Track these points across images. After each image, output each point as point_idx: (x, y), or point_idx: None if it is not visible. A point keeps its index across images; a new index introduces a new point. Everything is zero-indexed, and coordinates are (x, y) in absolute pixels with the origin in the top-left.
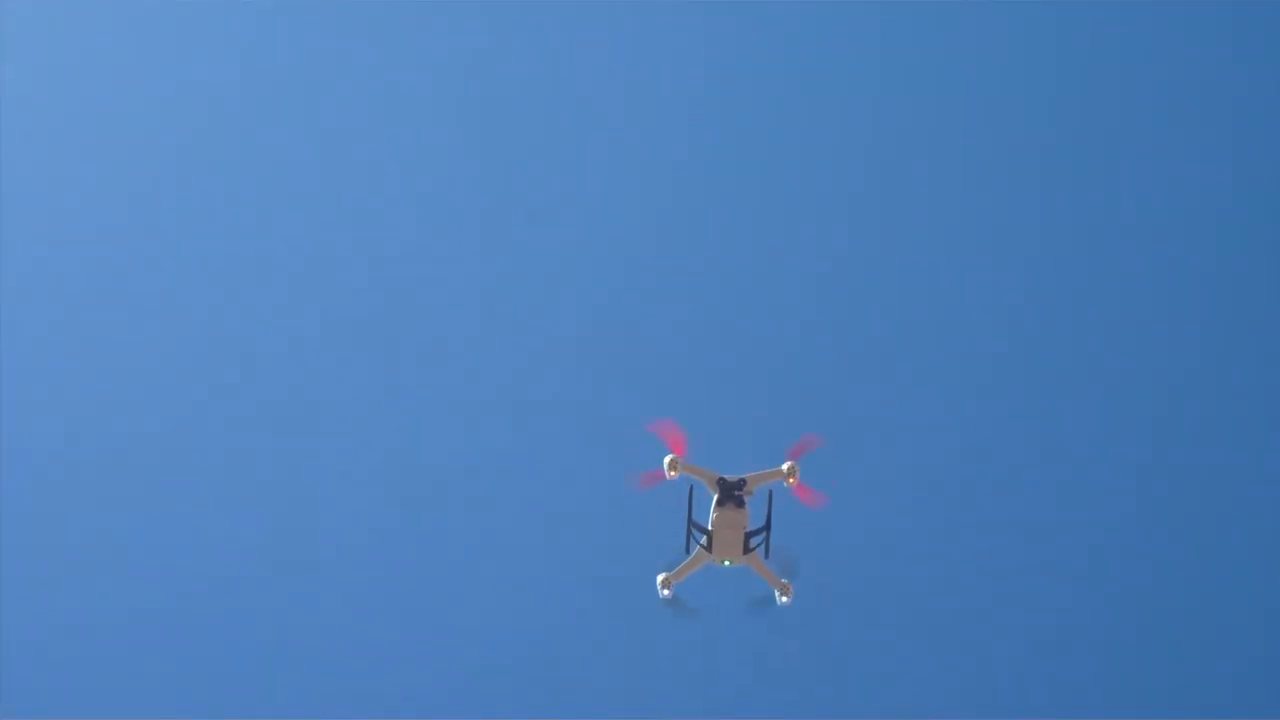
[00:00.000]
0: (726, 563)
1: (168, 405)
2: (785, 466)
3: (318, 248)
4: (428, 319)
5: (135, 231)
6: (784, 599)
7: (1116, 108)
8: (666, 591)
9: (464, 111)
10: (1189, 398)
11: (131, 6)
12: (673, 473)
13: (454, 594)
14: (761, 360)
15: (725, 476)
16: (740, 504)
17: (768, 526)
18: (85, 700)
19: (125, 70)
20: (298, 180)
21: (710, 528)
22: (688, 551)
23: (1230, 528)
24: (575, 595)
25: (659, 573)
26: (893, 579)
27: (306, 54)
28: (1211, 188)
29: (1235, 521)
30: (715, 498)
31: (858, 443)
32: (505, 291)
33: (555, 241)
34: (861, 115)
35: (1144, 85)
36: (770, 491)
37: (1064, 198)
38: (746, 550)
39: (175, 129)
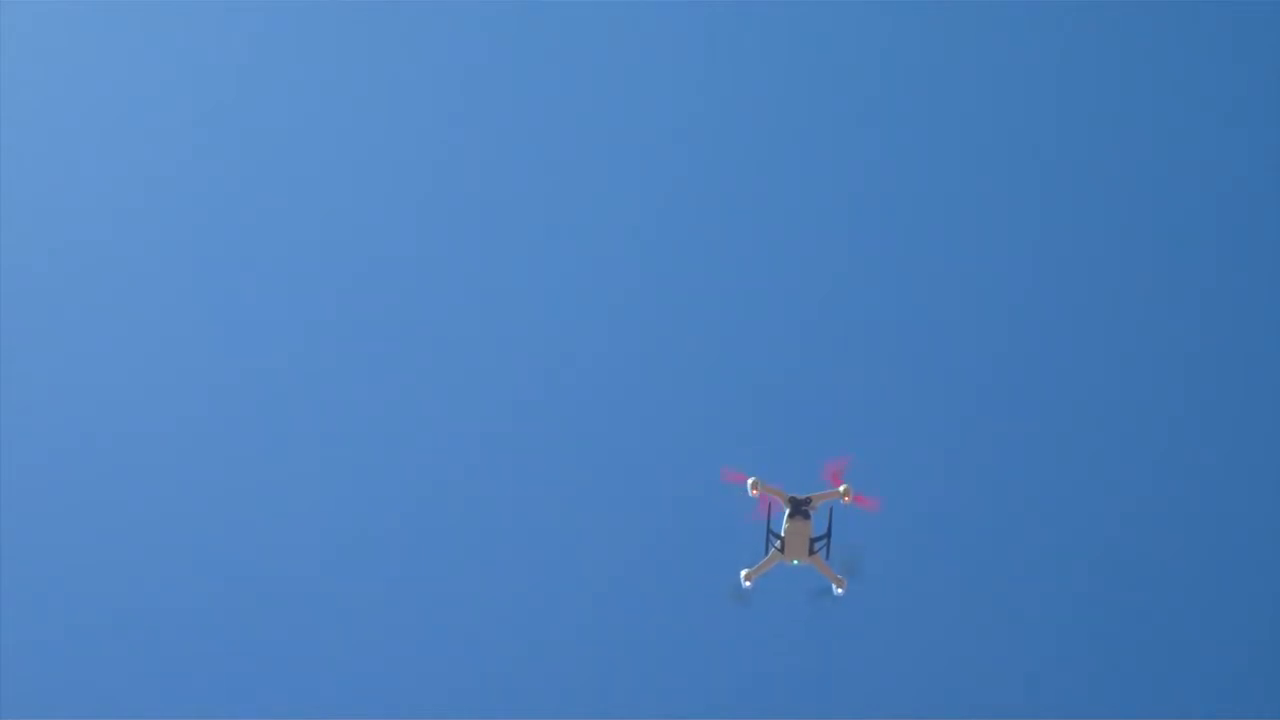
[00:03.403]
0: (795, 562)
1: (167, 406)
2: (841, 489)
3: (319, 250)
4: (428, 321)
5: (135, 231)
6: (839, 590)
7: (1117, 109)
8: (748, 584)
9: (464, 114)
10: (1191, 402)
11: (130, 8)
12: (754, 492)
13: (456, 595)
14: (768, 367)
15: (795, 495)
16: (807, 517)
17: (828, 534)
18: (85, 700)
19: (124, 71)
20: (298, 182)
21: (783, 535)
22: (765, 553)
23: (1232, 529)
24: (576, 597)
25: (742, 569)
26: (902, 576)
27: (305, 55)
28: (1211, 187)
29: (1237, 523)
30: (787, 512)
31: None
32: (508, 295)
33: (557, 246)
34: (866, 119)
35: (1144, 86)
36: (830, 508)
37: (1066, 201)
38: (811, 553)
39: (174, 130)
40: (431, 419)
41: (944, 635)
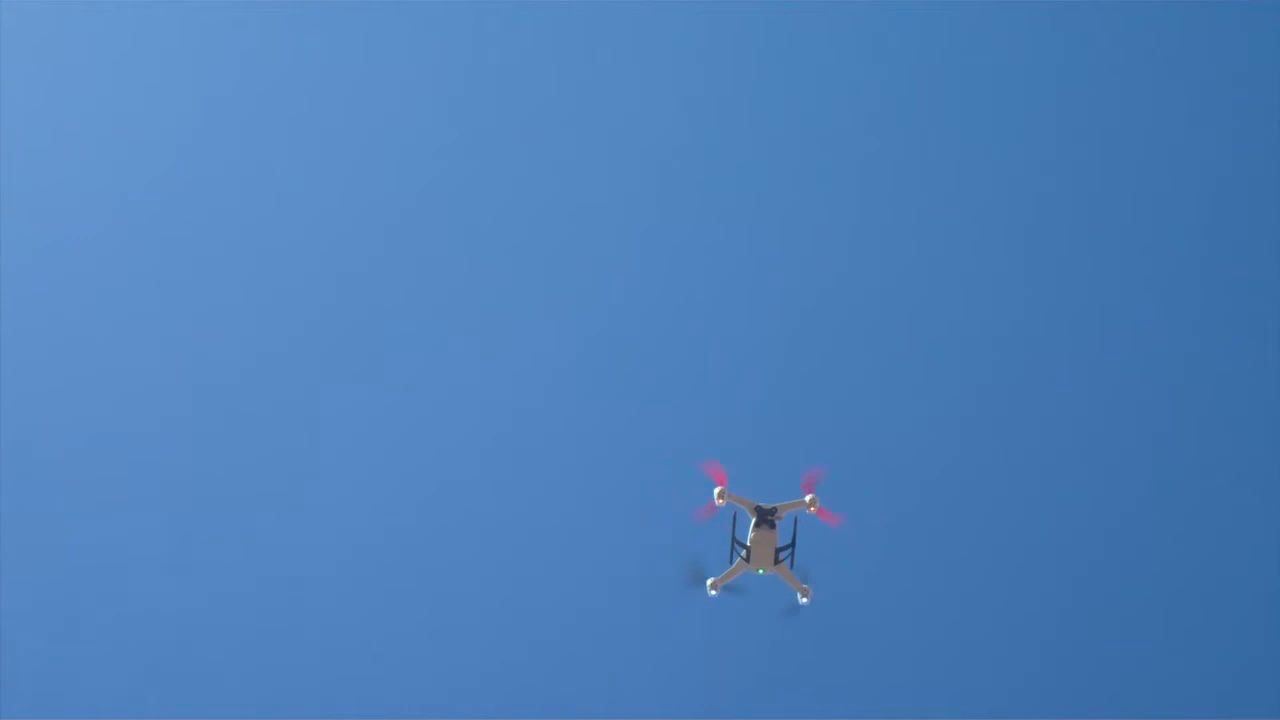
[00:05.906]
0: (761, 570)
1: (169, 408)
2: (807, 499)
3: (318, 252)
4: (427, 322)
5: (135, 233)
6: (804, 600)
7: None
8: (714, 592)
9: (464, 115)
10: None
11: (130, 10)
12: (721, 501)
13: (455, 596)
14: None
15: (761, 505)
16: (772, 526)
17: (793, 544)
18: (85, 700)
19: (123, 73)
20: (299, 185)
21: (749, 544)
22: (731, 562)
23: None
24: (573, 597)
25: (708, 578)
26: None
27: (304, 58)
28: (1211, 182)
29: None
30: (753, 521)
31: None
32: (507, 295)
33: (557, 246)
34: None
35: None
36: (795, 517)
37: (1067, 198)
38: (776, 561)
39: (175, 133)
40: (430, 419)
41: (941, 635)
